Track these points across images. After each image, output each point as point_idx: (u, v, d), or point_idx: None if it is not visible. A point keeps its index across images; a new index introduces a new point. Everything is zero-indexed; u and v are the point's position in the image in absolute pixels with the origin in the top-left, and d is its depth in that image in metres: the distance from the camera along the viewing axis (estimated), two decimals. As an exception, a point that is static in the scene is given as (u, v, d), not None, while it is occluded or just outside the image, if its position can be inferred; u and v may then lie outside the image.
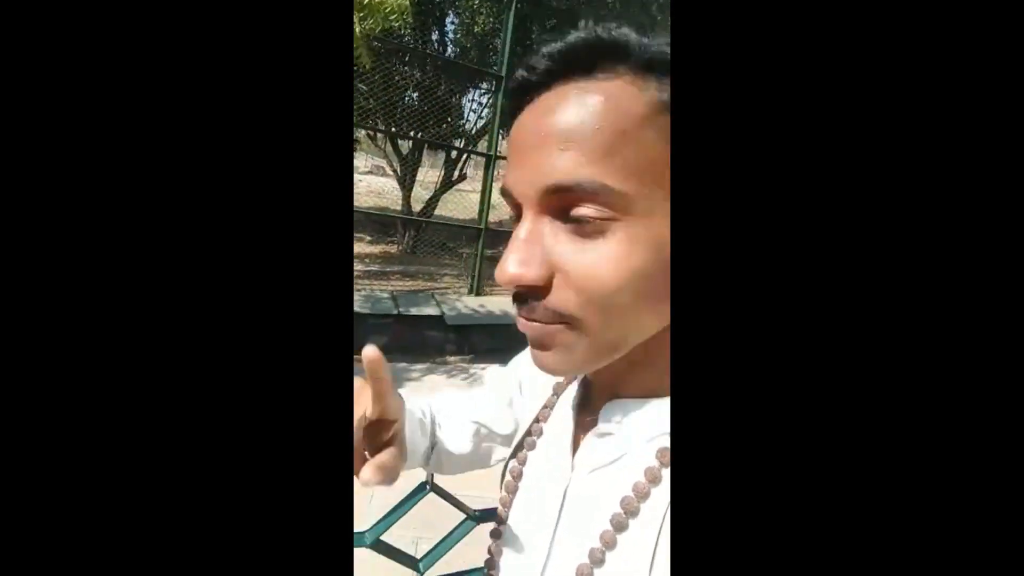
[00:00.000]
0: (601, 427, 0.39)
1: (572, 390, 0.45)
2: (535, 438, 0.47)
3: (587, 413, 0.42)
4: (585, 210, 0.31)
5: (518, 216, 0.35)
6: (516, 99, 0.36)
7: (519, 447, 0.48)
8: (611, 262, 0.31)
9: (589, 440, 0.40)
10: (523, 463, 0.47)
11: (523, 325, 0.35)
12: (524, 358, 0.55)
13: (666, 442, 0.36)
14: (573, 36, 0.33)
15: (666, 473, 0.36)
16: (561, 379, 0.48)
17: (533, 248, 0.33)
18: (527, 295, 0.34)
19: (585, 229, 0.32)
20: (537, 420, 0.48)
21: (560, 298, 0.33)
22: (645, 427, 0.37)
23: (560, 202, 0.32)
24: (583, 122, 0.31)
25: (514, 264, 0.33)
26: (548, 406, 0.48)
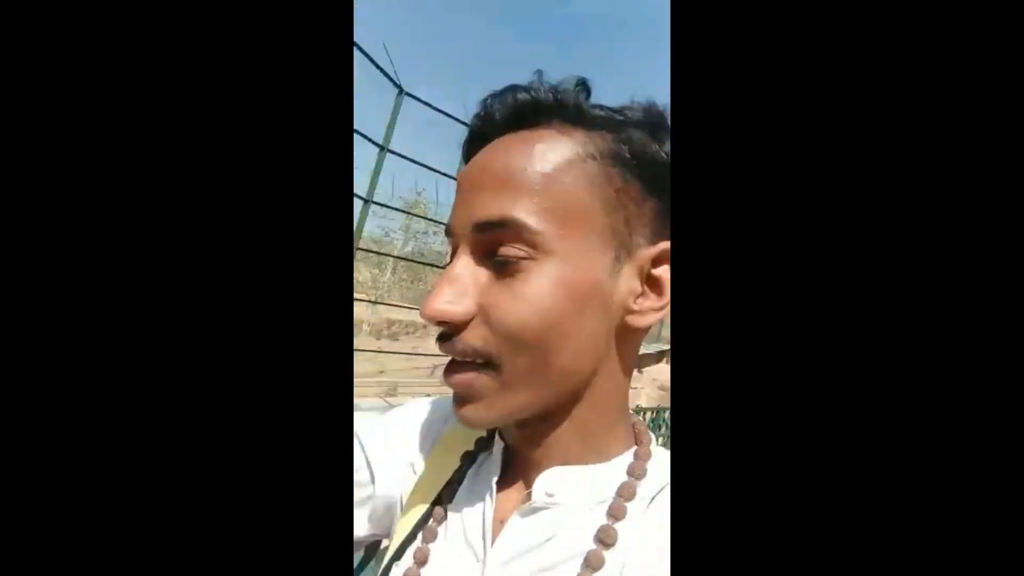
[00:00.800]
0: (534, 501, 0.35)
1: (490, 463, 0.40)
2: (437, 525, 0.39)
3: (513, 489, 0.39)
4: (507, 249, 0.33)
5: (454, 255, 0.36)
6: (468, 147, 0.39)
7: (411, 538, 0.40)
8: (522, 300, 0.33)
9: (513, 521, 0.36)
10: (422, 563, 0.38)
11: (447, 377, 0.35)
12: (416, 414, 0.47)
13: (610, 498, 0.35)
14: (520, 95, 0.36)
15: (622, 527, 0.34)
16: (470, 447, 0.42)
17: (460, 285, 0.34)
18: (451, 333, 0.34)
19: (507, 268, 0.33)
20: (438, 501, 0.40)
21: (477, 334, 0.33)
22: (593, 492, 0.36)
23: (488, 240, 0.34)
24: (514, 165, 0.34)
25: (440, 300, 0.33)
26: (454, 482, 0.41)
